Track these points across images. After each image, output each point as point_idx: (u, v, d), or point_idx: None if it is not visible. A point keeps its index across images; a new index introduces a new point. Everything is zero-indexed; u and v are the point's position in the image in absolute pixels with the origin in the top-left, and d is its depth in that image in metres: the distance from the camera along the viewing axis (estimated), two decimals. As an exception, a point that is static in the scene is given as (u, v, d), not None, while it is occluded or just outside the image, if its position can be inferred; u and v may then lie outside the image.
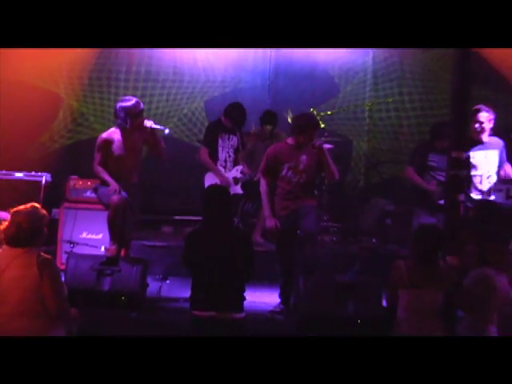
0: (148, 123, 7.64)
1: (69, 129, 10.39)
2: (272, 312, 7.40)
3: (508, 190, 8.29)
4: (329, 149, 7.78)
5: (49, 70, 10.31)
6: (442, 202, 7.83)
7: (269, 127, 9.36)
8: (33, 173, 9.02)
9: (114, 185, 7.53)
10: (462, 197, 7.20)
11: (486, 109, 8.03)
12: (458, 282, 5.74)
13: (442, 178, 8.04)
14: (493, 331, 5.61)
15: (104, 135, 7.80)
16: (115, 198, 7.45)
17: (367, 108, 10.77)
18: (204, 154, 8.81)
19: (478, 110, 8.00)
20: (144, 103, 8.21)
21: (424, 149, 8.65)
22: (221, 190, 6.68)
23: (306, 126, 7.39)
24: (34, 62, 10.09)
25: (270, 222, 7.41)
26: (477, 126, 7.98)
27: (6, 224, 5.09)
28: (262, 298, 7.60)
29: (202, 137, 9.44)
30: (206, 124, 10.05)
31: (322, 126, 9.37)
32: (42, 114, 10.13)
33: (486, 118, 7.98)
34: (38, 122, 10.16)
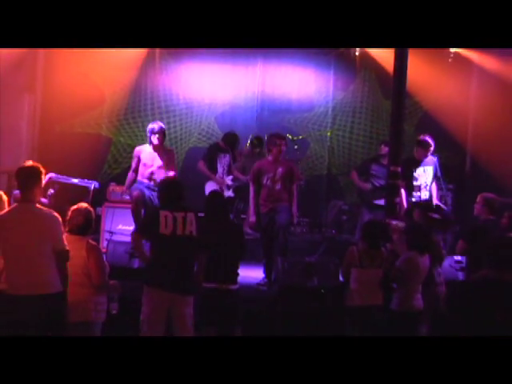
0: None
1: (123, 156, 10.33)
2: (258, 284, 7.41)
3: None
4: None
5: (94, 118, 10.33)
6: (377, 201, 7.93)
7: (256, 147, 9.42)
8: (85, 180, 8.99)
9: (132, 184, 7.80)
10: (397, 199, 7.26)
11: (430, 137, 8.07)
12: (393, 262, 5.75)
13: (378, 184, 8.15)
14: (418, 298, 5.64)
15: (137, 148, 7.99)
16: (135, 193, 7.58)
17: (328, 134, 10.79)
18: (201, 165, 8.78)
19: (429, 142, 8.02)
20: (167, 128, 8.33)
21: (370, 161, 8.71)
22: (219, 195, 6.65)
23: (276, 139, 7.62)
24: (83, 116, 10.25)
25: (252, 218, 7.62)
26: (427, 152, 7.97)
27: (67, 218, 5.10)
28: (251, 274, 7.53)
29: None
30: (219, 132, 10.24)
31: (296, 147, 9.47)
32: (98, 151, 10.29)
33: (432, 148, 8.03)
34: (97, 157, 10.26)
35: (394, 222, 6.51)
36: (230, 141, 8.91)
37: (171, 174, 7.69)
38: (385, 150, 8.41)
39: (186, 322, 5.33)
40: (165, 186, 5.74)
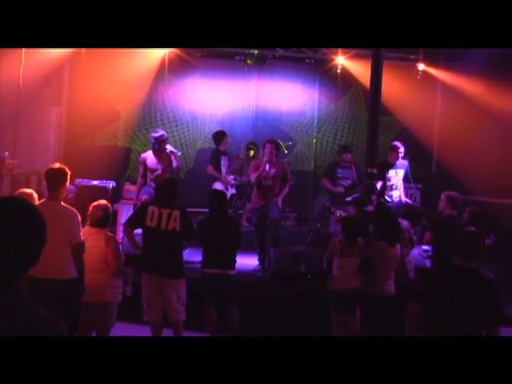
0: (168, 147, 7.81)
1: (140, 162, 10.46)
2: (253, 271, 7.46)
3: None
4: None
5: (112, 132, 10.43)
6: (349, 199, 7.99)
7: (251, 151, 9.48)
8: (104, 181, 9.01)
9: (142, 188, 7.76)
10: (373, 197, 7.31)
11: (402, 144, 8.14)
12: (368, 251, 5.77)
13: (346, 184, 8.23)
14: (390, 284, 5.70)
15: (142, 155, 7.91)
16: (144, 196, 7.56)
17: (314, 141, 10.93)
18: (210, 169, 8.82)
19: (398, 146, 8.12)
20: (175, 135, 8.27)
21: (333, 165, 8.76)
22: (220, 193, 6.73)
23: (266, 143, 7.67)
24: (102, 131, 10.32)
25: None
26: (398, 155, 8.08)
27: (88, 213, 5.22)
28: (247, 261, 7.59)
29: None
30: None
31: (286, 151, 9.53)
32: (117, 158, 10.29)
33: (402, 150, 8.13)
34: (117, 164, 10.26)
35: (338, 213, 6.60)
36: (216, 136, 8.87)
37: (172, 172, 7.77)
38: (344, 154, 8.50)
39: (173, 303, 5.46)
40: (158, 185, 5.99)
